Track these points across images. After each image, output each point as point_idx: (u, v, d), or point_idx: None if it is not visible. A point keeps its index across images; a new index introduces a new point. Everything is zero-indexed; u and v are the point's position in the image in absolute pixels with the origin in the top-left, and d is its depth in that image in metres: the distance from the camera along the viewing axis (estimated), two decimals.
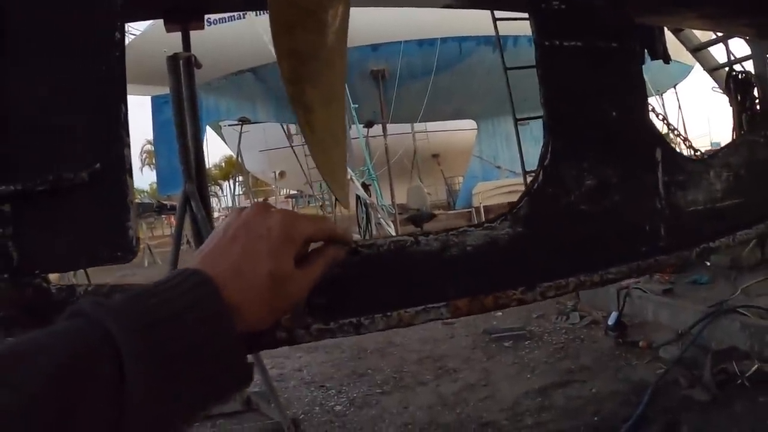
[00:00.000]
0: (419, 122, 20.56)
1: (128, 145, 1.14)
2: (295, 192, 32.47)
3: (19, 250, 1.12)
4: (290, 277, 0.82)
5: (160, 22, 2.74)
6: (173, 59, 3.52)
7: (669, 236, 1.50)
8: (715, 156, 1.72)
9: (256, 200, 24.82)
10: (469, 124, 21.56)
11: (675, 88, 21.82)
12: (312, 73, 1.23)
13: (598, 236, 1.41)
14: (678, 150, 1.66)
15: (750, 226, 1.69)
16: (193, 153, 3.69)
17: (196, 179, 3.71)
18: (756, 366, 3.77)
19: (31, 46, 1.12)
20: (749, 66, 5.82)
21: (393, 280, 1.25)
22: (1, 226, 1.11)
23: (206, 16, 2.92)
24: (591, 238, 1.41)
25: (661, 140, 1.55)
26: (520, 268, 1.30)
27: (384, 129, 16.39)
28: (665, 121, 6.89)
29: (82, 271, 6.31)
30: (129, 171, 1.14)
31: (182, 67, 3.53)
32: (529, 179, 7.10)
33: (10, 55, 1.11)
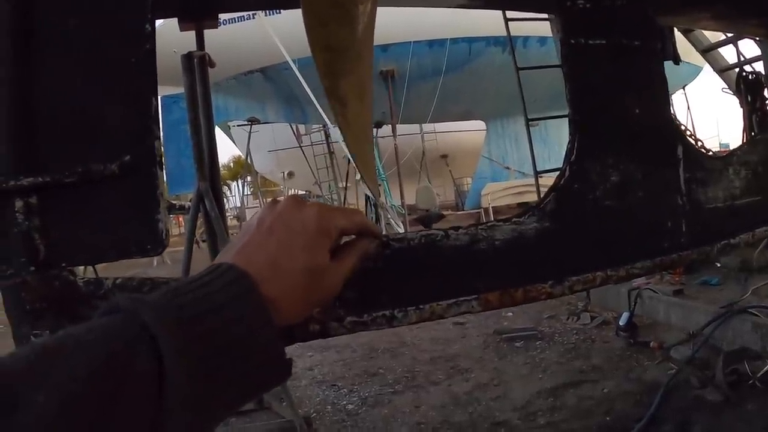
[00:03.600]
0: (428, 123, 20.57)
1: (159, 138, 1.15)
2: (304, 192, 32.52)
3: (46, 243, 1.13)
4: (326, 270, 0.82)
5: (170, 21, 2.75)
6: (188, 58, 3.54)
7: (690, 232, 1.51)
8: (734, 153, 1.73)
9: (265, 200, 24.84)
10: (478, 125, 21.52)
11: (684, 90, 21.77)
12: (345, 67, 1.25)
13: (623, 231, 1.42)
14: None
15: None
16: (206, 152, 3.70)
17: (210, 178, 3.72)
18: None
19: (63, 37, 1.13)
20: (759, 67, 5.82)
21: (424, 274, 1.25)
22: (27, 219, 1.11)
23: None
24: (616, 233, 1.41)
25: (683, 137, 1.56)
26: (548, 263, 1.31)
27: (393, 129, 16.38)
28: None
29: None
30: (159, 163, 1.15)
31: (196, 66, 3.55)
32: (540, 179, 7.11)
33: (41, 46, 1.12)
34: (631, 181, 1.43)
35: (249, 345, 0.66)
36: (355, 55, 1.29)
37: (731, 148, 2.57)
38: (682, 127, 7.02)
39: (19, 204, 1.11)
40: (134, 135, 1.13)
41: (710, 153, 5.96)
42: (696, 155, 1.56)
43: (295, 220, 0.82)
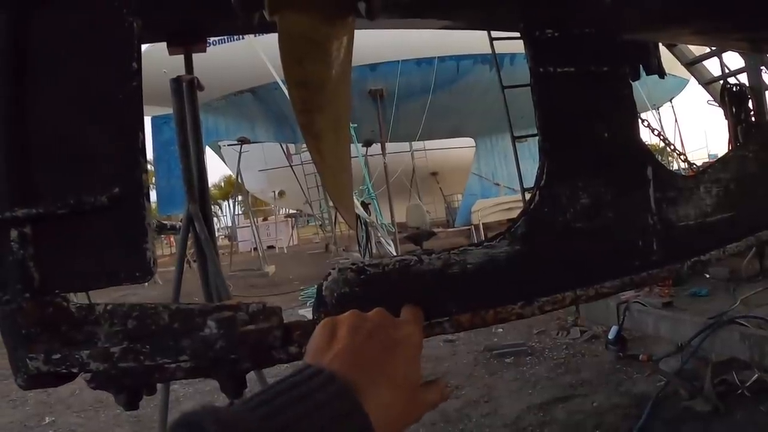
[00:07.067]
0: (418, 141, 20.61)
1: (146, 170, 1.20)
2: (294, 211, 32.48)
3: (40, 271, 1.18)
4: (419, 392, 0.76)
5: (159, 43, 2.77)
6: (176, 82, 3.56)
7: (661, 250, 1.55)
8: (705, 172, 1.78)
9: (256, 220, 24.81)
10: (468, 141, 21.57)
11: (671, 102, 21.89)
12: (320, 103, 1.29)
13: (593, 252, 1.46)
14: (670, 167, 1.72)
15: (740, 239, 1.74)
16: (196, 174, 3.73)
17: (199, 200, 3.74)
18: (756, 376, 3.80)
19: (55, 76, 1.18)
20: (744, 78, 5.88)
21: (398, 298, 1.22)
22: (22, 248, 1.16)
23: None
24: (586, 253, 1.46)
25: (652, 158, 1.61)
26: (519, 284, 1.35)
27: (383, 148, 16.40)
28: (661, 136, 6.93)
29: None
30: (147, 195, 1.19)
31: (185, 89, 3.57)
32: (527, 196, 7.15)
33: (32, 84, 1.17)
34: (601, 204, 1.48)
35: None
36: (332, 90, 1.33)
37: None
38: (661, 144, 7.09)
39: (14, 234, 1.15)
40: (122, 168, 1.18)
41: (694, 166, 6.03)
42: (667, 175, 1.61)
43: (397, 330, 0.77)
